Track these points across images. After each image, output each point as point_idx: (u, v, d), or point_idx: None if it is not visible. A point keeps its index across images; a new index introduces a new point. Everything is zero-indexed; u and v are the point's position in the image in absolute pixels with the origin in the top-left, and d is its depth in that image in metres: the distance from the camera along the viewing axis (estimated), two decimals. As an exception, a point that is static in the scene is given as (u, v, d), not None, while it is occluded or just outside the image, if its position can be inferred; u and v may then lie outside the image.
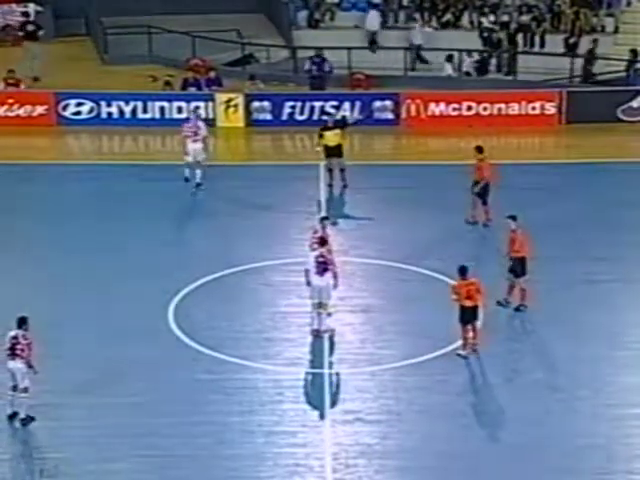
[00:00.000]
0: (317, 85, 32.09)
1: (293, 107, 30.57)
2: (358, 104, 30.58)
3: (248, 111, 30.55)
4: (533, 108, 30.76)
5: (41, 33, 33.43)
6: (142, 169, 27.52)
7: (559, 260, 22.16)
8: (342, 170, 26.07)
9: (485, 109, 30.70)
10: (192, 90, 31.23)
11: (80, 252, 22.63)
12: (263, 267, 22.20)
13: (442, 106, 30.68)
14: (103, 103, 30.49)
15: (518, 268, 20.06)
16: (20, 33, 34.26)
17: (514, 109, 30.68)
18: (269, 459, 16.34)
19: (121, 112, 30.54)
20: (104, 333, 19.54)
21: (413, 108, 30.65)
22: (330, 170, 26.16)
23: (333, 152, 25.99)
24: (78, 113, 30.50)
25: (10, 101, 30.38)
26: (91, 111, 30.51)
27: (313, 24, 35.56)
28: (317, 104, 30.52)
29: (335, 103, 30.60)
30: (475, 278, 18.65)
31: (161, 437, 16.62)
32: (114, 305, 20.53)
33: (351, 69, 33.01)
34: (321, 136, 26.15)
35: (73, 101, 30.46)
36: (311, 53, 32.66)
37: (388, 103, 30.70)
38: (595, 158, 28.24)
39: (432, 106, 30.66)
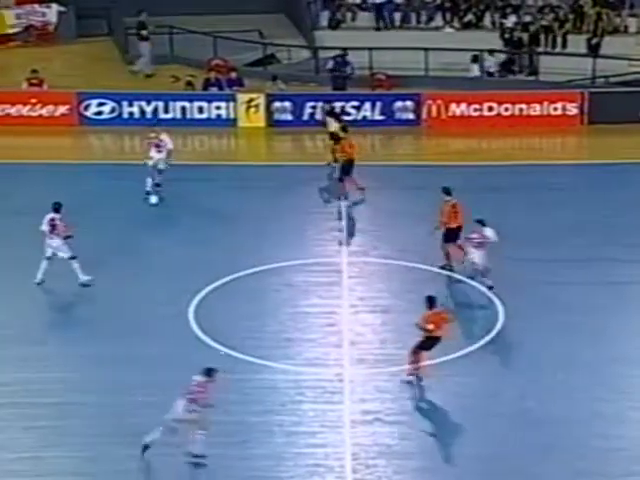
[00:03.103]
0: (339, 85, 32.11)
1: (314, 107, 30.61)
2: (379, 104, 30.60)
3: (269, 111, 30.60)
4: (555, 109, 30.69)
5: (145, 33, 33.60)
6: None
7: (579, 261, 22.10)
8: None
9: (507, 110, 30.64)
10: (213, 90, 31.33)
11: (101, 251, 22.72)
12: (284, 267, 22.24)
13: (463, 107, 30.66)
14: (125, 103, 30.61)
15: (452, 237, 21.17)
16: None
17: (536, 110, 30.62)
18: (289, 459, 16.38)
19: (142, 112, 30.65)
20: (124, 332, 19.61)
21: (434, 109, 30.64)
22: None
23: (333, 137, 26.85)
24: (100, 113, 30.64)
25: (33, 101, 30.54)
26: (113, 111, 30.64)
27: (334, 24, 35.58)
28: (338, 104, 30.53)
29: (356, 103, 30.63)
30: (441, 308, 18.45)
31: (182, 436, 16.66)
32: (135, 304, 20.61)
33: (372, 69, 33.02)
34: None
35: (95, 101, 30.60)
36: (332, 53, 32.69)
37: (409, 103, 30.70)
38: (617, 159, 28.14)
39: (453, 107, 30.63)
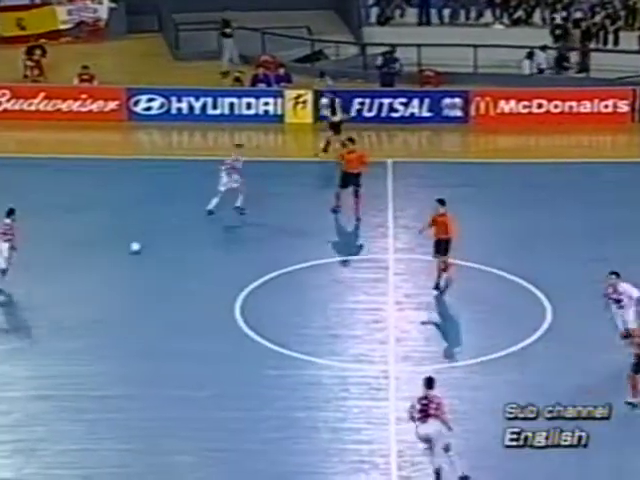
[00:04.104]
0: (387, 82, 32.05)
1: (362, 104, 30.56)
2: (427, 101, 30.49)
3: (317, 108, 30.60)
4: (606, 106, 30.40)
5: (228, 31, 33.77)
6: (210, 165, 27.69)
7: (630, 261, 21.85)
8: (327, 142, 27.36)
9: (556, 107, 30.40)
10: (261, 86, 31.39)
11: (149, 247, 22.86)
12: (330, 263, 22.25)
13: (512, 104, 30.46)
14: (173, 99, 30.78)
15: (442, 249, 20.64)
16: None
17: (586, 107, 30.34)
18: (334, 455, 16.37)
19: (191, 108, 30.80)
20: (170, 327, 19.72)
21: (482, 106, 30.47)
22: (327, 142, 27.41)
23: (333, 127, 27.60)
24: (149, 109, 30.83)
25: (83, 96, 30.80)
26: (161, 107, 30.82)
27: (383, 21, 35.50)
28: (386, 101, 30.48)
29: (404, 100, 30.55)
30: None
31: (227, 432, 16.74)
32: (181, 300, 20.71)
33: (421, 66, 32.91)
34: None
35: (144, 97, 30.79)
36: (381, 50, 32.63)
37: (457, 100, 30.56)
38: (668, 157, 27.85)
39: (502, 104, 30.44)
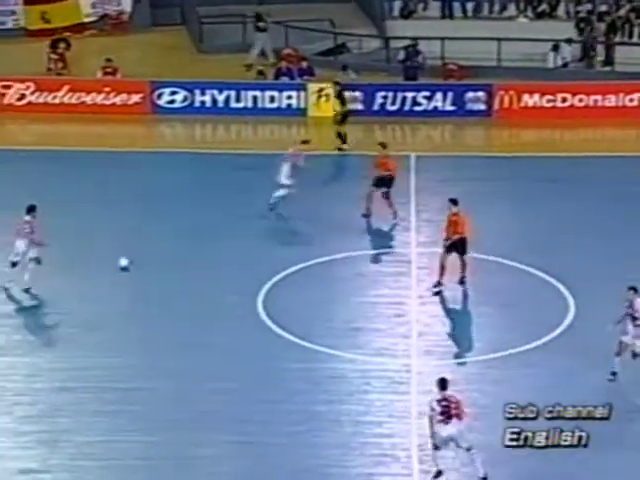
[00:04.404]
0: (410, 75, 32.00)
1: (385, 97, 30.53)
2: (450, 95, 30.42)
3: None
4: (631, 100, 30.22)
5: (262, 25, 33.82)
6: (234, 158, 27.78)
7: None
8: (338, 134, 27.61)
9: (581, 101, 30.26)
10: (284, 80, 31.40)
11: (171, 239, 22.95)
12: (353, 257, 22.26)
13: (536, 97, 30.35)
14: (197, 92, 30.84)
15: (460, 247, 20.44)
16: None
17: (611, 101, 30.19)
18: (356, 448, 16.41)
19: (214, 101, 30.85)
20: (194, 321, 19.79)
21: (506, 99, 30.38)
22: (345, 134, 27.62)
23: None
24: (172, 102, 30.90)
25: (107, 89, 30.90)
26: (185, 100, 30.88)
27: (406, 14, 35.43)
28: (409, 95, 30.43)
29: (427, 94, 30.49)
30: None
31: (250, 424, 16.80)
32: (203, 292, 20.78)
33: (444, 59, 32.83)
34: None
35: (167, 90, 30.86)
36: (404, 43, 32.58)
37: (481, 94, 30.48)
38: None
39: (525, 97, 30.34)
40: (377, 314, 20.20)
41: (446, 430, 15.31)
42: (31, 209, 20.68)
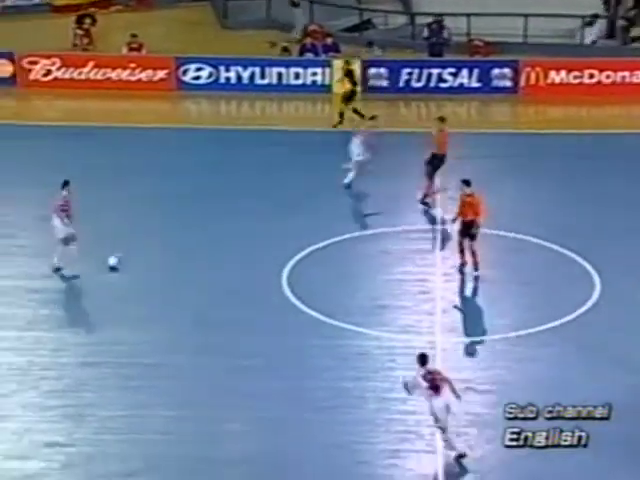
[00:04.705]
0: (436, 52, 31.81)
1: (410, 74, 30.39)
2: (476, 71, 30.25)
3: (365, 78, 30.47)
4: (659, 77, 29.99)
5: (297, 0, 33.75)
6: (258, 134, 27.74)
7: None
8: (340, 114, 27.43)
9: (608, 77, 30.02)
10: (309, 56, 31.29)
11: (194, 216, 22.95)
12: (378, 234, 22.22)
13: (563, 74, 30.13)
14: (222, 68, 30.79)
15: (469, 232, 20.01)
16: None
17: (638, 77, 29.91)
18: (381, 425, 16.43)
19: (239, 77, 30.80)
20: (218, 296, 19.83)
21: (532, 76, 30.17)
22: (354, 110, 27.39)
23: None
24: (197, 78, 30.87)
25: (132, 65, 30.91)
26: (210, 76, 30.85)
27: (432, -10, 35.19)
28: (434, 71, 30.28)
29: (453, 70, 30.33)
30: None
31: (275, 401, 16.83)
32: (228, 269, 20.80)
33: (470, 36, 32.61)
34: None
35: (193, 66, 30.84)
36: (430, 19, 32.39)
37: (507, 71, 30.29)
38: None
39: (552, 74, 30.13)
40: (402, 291, 20.16)
41: (441, 400, 15.38)
42: (65, 184, 20.54)
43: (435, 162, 23.22)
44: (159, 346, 18.33)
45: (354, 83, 28.34)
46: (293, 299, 19.81)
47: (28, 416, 16.70)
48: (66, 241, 20.42)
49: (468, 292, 20.18)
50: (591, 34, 32.44)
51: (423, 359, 15.61)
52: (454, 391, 15.52)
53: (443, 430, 15.55)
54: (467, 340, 18.65)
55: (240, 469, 15.55)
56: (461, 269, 20.39)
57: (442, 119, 23.73)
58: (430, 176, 23.28)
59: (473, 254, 20.21)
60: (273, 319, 19.11)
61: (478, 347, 18.45)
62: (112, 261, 20.68)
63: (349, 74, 28.44)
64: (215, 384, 17.29)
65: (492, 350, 18.33)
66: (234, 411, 16.60)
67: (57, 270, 20.58)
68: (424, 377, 15.46)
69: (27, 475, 15.49)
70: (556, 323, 18.83)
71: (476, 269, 20.31)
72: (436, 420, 15.54)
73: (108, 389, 17.31)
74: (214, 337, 18.53)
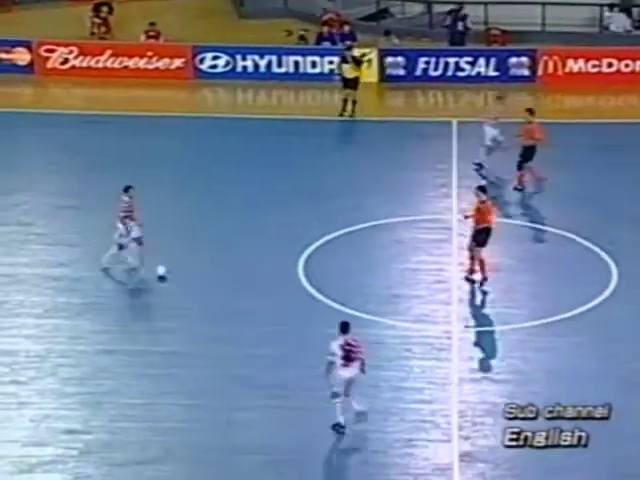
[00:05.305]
0: (457, 41, 31.70)
1: (427, 63, 30.33)
2: (493, 60, 30.16)
3: (382, 66, 30.43)
4: (679, 66, 29.82)
5: None
6: (275, 123, 27.75)
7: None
8: (354, 102, 27.36)
9: (627, 66, 29.87)
10: (326, 45, 31.26)
11: (212, 204, 23.00)
12: (394, 223, 22.22)
13: (581, 63, 30.01)
14: (238, 57, 30.79)
15: (480, 238, 19.59)
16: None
17: (659, 66, 29.78)
18: (396, 414, 16.46)
19: (256, 66, 30.80)
20: (235, 286, 19.86)
21: (550, 65, 30.07)
22: (344, 100, 27.44)
23: (349, 84, 27.55)
24: (214, 67, 30.88)
25: (149, 54, 30.94)
26: (227, 65, 30.86)
27: (450, -22, 35.08)
28: (451, 60, 30.22)
29: (470, 59, 30.25)
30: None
31: (290, 389, 16.88)
32: (245, 257, 20.83)
33: (487, 24, 32.50)
34: (339, 67, 28.16)
35: (209, 54, 30.85)
36: (446, 8, 32.30)
37: (524, 59, 30.19)
38: None
39: (570, 63, 30.01)
40: (418, 281, 20.17)
41: (348, 372, 15.66)
42: (127, 189, 20.05)
43: (526, 153, 23.28)
44: (176, 335, 18.40)
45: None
46: (309, 288, 19.85)
47: (46, 403, 16.81)
48: (137, 241, 20.00)
49: (484, 284, 20.16)
50: (621, 23, 32.23)
51: (344, 327, 15.84)
52: (363, 369, 15.84)
53: (334, 395, 15.75)
54: (483, 330, 18.65)
55: (256, 458, 15.61)
56: (469, 277, 19.94)
57: (530, 111, 23.66)
58: (519, 167, 23.37)
59: (480, 262, 19.76)
60: (289, 308, 19.15)
61: (494, 337, 18.44)
62: (160, 271, 19.80)
63: (355, 61, 28.34)
64: (232, 373, 17.35)
65: (508, 340, 18.33)
66: (250, 400, 16.66)
67: (133, 270, 20.07)
68: (341, 346, 15.71)
69: (45, 462, 15.60)
70: (573, 313, 18.80)
71: (470, 273, 19.76)
72: (334, 395, 15.76)
73: (126, 377, 17.40)
74: (230, 326, 18.59)
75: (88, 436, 16.09)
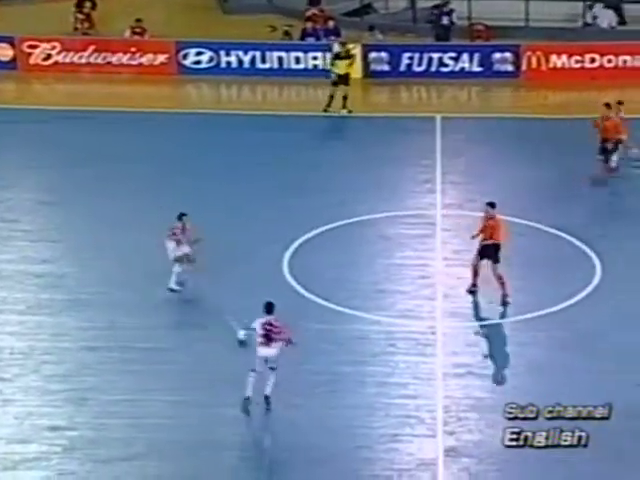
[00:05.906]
0: (442, 36, 31.72)
1: (411, 58, 30.35)
2: (477, 56, 30.20)
3: (366, 62, 30.43)
4: (661, 61, 29.91)
5: None
6: (259, 119, 27.73)
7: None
8: (344, 98, 27.44)
9: (610, 61, 29.96)
10: (310, 40, 31.24)
11: (195, 200, 22.93)
12: (378, 219, 22.23)
13: (564, 58, 30.08)
14: (222, 52, 30.74)
15: (489, 255, 19.21)
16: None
17: (640, 61, 29.89)
18: (380, 409, 16.47)
19: (240, 62, 30.76)
20: (218, 282, 19.78)
21: (534, 60, 30.13)
22: (331, 97, 27.52)
23: (342, 80, 27.52)
24: (198, 62, 30.82)
25: (133, 49, 30.86)
26: (210, 60, 30.81)
27: (433, -27, 35.08)
28: (435, 55, 30.23)
29: (454, 55, 30.28)
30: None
31: (275, 385, 16.83)
32: (228, 255, 20.79)
33: (471, 20, 32.54)
34: (333, 64, 27.96)
35: (193, 50, 30.79)
36: (430, 3, 32.31)
37: (508, 55, 30.24)
38: None
39: (553, 58, 30.08)
40: (402, 276, 20.19)
41: (265, 351, 16.14)
42: (181, 216, 19.61)
43: (607, 148, 23.21)
44: (159, 330, 18.37)
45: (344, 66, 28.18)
46: (293, 283, 19.84)
47: (30, 400, 16.76)
48: (180, 260, 19.54)
49: (468, 277, 20.15)
50: (607, 19, 32.30)
51: (269, 307, 16.26)
52: (288, 341, 16.19)
53: (252, 370, 16.20)
54: (468, 325, 18.68)
55: (241, 454, 15.60)
56: (472, 290, 19.58)
57: (608, 105, 23.52)
58: (606, 160, 23.31)
59: (499, 279, 19.21)
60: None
61: (479, 332, 18.47)
62: (241, 335, 17.87)
63: (349, 56, 28.32)
64: (215, 369, 17.32)
65: (492, 335, 18.37)
66: (234, 396, 16.64)
67: (172, 291, 19.54)
68: (263, 325, 16.13)
69: (29, 459, 15.55)
70: (557, 308, 18.86)
71: (505, 295, 19.17)
72: (252, 370, 16.20)
73: (109, 373, 17.36)
74: (214, 321, 18.53)
75: (72, 433, 16.06)
